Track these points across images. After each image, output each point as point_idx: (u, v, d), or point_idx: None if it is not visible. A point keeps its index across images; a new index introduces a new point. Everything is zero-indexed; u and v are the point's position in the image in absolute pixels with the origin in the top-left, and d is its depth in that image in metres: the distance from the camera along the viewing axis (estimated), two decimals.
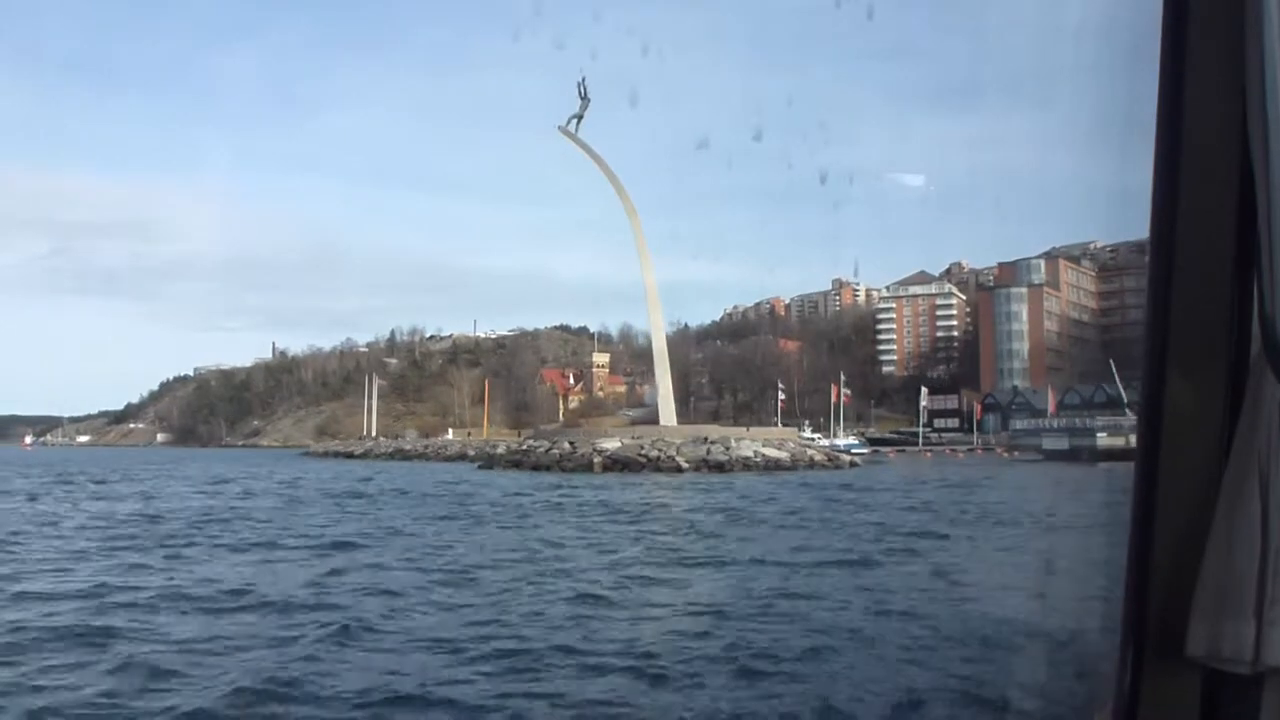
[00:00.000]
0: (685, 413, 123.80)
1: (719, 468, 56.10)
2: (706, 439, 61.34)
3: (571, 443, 61.19)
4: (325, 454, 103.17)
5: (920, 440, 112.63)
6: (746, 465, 57.48)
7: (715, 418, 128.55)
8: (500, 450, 72.26)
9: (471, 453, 79.15)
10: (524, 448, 65.38)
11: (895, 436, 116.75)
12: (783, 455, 61.18)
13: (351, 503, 31.96)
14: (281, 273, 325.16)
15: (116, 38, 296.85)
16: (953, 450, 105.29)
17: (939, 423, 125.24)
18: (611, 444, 59.55)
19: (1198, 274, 1.26)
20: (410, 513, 27.29)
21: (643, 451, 57.95)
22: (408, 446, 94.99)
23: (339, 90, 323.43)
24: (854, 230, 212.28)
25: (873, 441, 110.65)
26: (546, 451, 60.62)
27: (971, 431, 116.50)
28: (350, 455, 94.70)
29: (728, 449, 59.51)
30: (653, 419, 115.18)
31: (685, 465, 55.94)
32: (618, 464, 56.28)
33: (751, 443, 62.16)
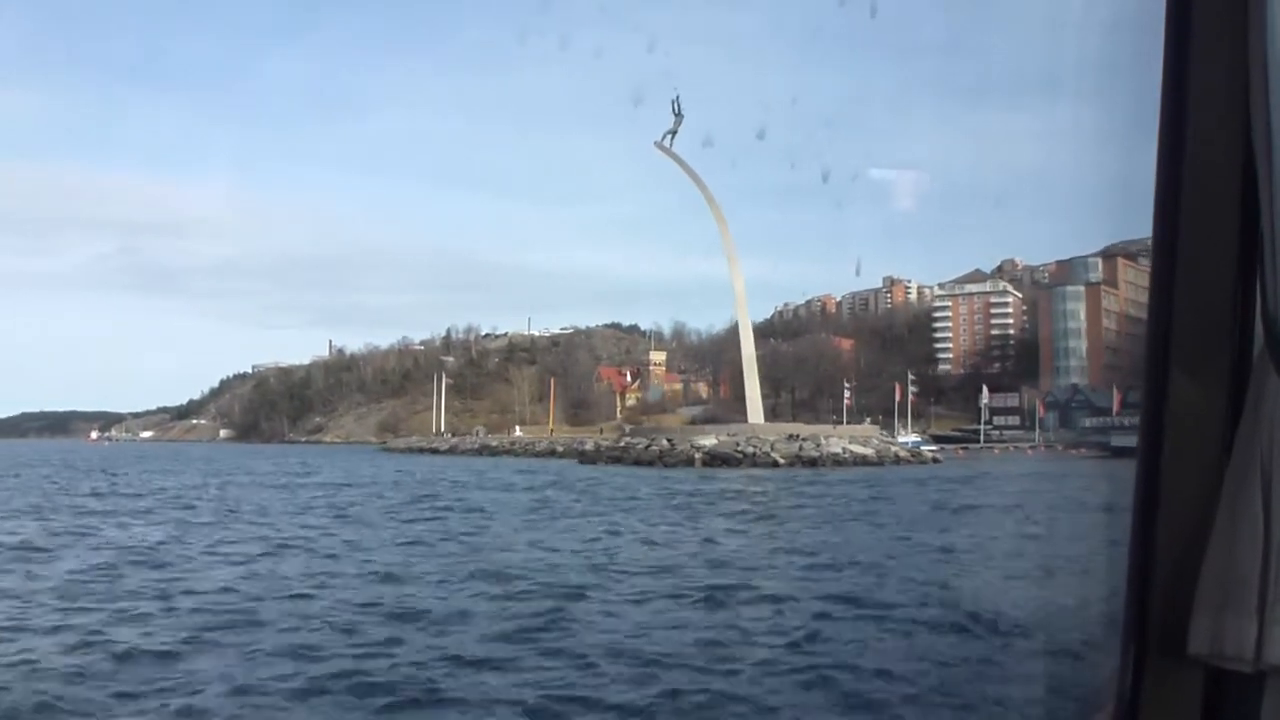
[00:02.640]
0: (743, 410, 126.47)
1: (811, 463, 58.83)
2: (797, 436, 64.12)
3: (670, 440, 64.28)
4: (407, 450, 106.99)
5: (982, 438, 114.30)
6: (837, 461, 60.15)
7: (774, 415, 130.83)
8: (589, 447, 75.56)
9: (560, 449, 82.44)
10: (622, 445, 68.57)
11: (957, 434, 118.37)
12: (869, 452, 63.78)
13: (566, 497, 33.24)
14: (333, 271, 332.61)
15: (172, 42, 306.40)
16: (1017, 447, 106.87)
17: (998, 420, 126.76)
18: (708, 441, 62.55)
19: (1201, 272, 1.26)
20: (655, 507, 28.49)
21: (739, 448, 60.87)
22: (494, 443, 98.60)
23: (390, 90, 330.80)
24: (902, 228, 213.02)
25: (935, 439, 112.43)
26: (646, 448, 63.78)
27: (1032, 429, 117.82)
28: (436, 451, 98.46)
29: (818, 446, 62.25)
30: (711, 417, 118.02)
31: (781, 461, 58.75)
32: (716, 460, 59.23)
33: (840, 440, 64.89)
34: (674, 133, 70.81)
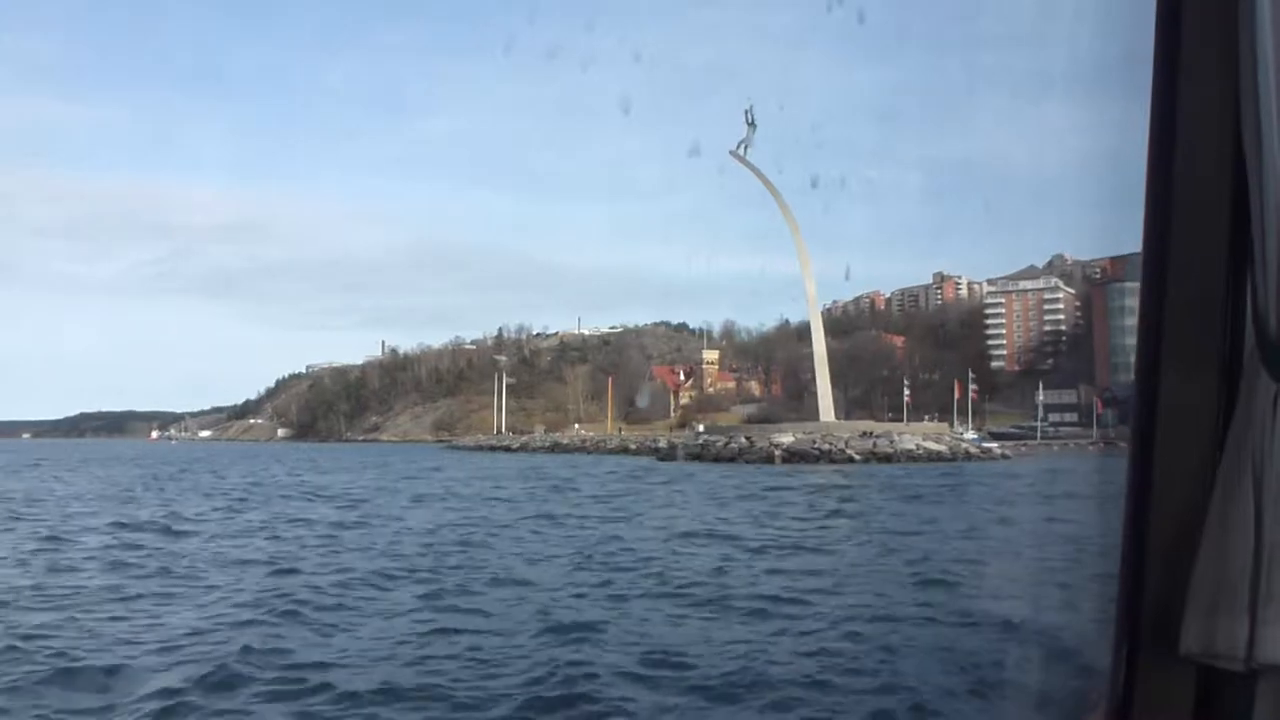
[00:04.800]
0: (798, 408, 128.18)
1: (886, 459, 60.78)
2: (871, 433, 66.13)
3: (748, 438, 66.60)
4: (476, 448, 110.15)
5: (1039, 435, 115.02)
6: (911, 457, 62.02)
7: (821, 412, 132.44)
8: (662, 444, 78.13)
9: (633, 446, 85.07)
10: (700, 442, 71.04)
11: (1015, 431, 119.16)
12: (942, 448, 65.60)
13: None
14: (384, 272, 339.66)
15: (225, 49, 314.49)
16: (1076, 444, 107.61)
17: (1053, 417, 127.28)
18: (785, 438, 64.77)
19: (1192, 270, 1.26)
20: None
21: (815, 445, 63.08)
22: (564, 441, 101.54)
23: (440, 93, 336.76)
24: (952, 222, 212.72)
25: (992, 435, 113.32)
26: (725, 445, 66.16)
27: (1089, 426, 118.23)
28: (508, 449, 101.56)
29: (892, 442, 64.23)
30: (765, 415, 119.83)
31: (856, 457, 60.82)
32: (795, 456, 61.46)
33: (912, 437, 66.78)
34: (748, 142, 73.18)
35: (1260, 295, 1.17)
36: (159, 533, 19.90)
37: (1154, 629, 1.28)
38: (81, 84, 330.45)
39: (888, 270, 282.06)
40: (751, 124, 73.00)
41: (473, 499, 31.07)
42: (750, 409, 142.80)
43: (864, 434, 65.90)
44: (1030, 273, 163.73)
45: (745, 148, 73.46)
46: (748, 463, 60.95)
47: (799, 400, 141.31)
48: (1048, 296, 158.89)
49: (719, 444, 67.46)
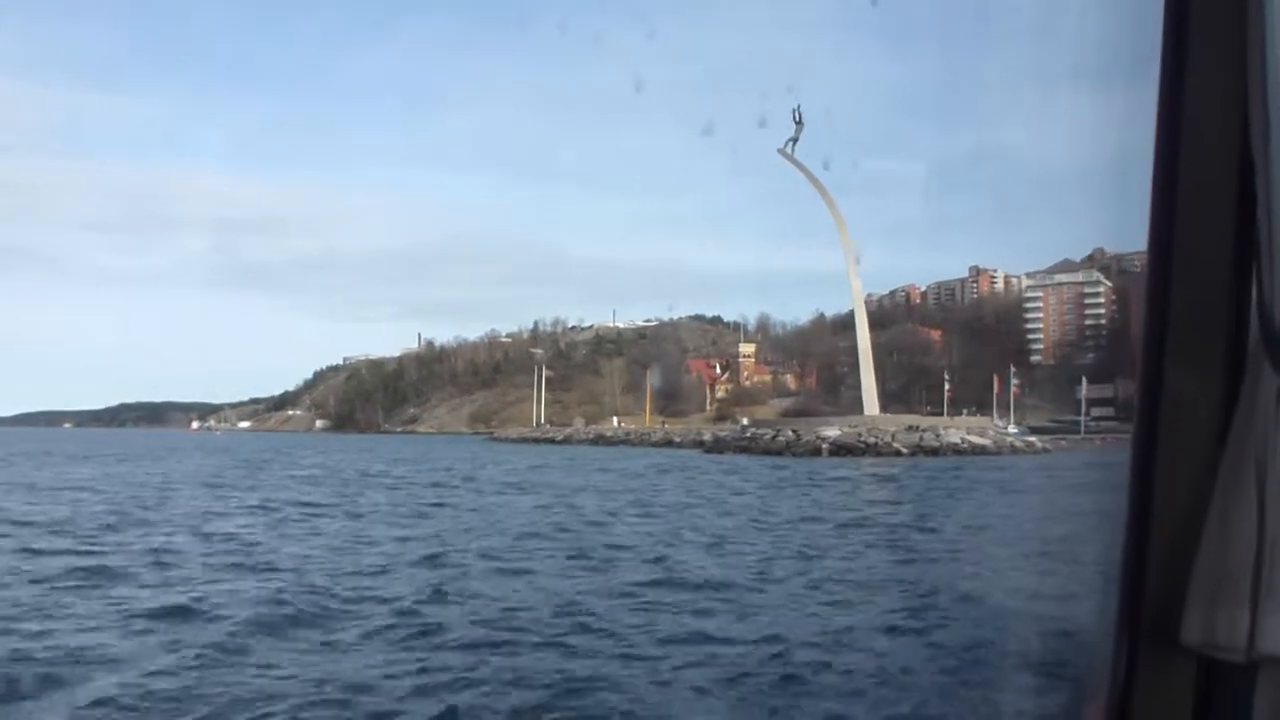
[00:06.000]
0: (834, 401, 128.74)
1: (932, 452, 61.73)
2: (917, 427, 67.08)
3: (794, 431, 67.79)
4: (520, 440, 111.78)
5: (1082, 429, 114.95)
6: (956, 451, 62.91)
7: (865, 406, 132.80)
8: (708, 438, 79.45)
9: (677, 439, 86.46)
10: (748, 435, 72.34)
11: (1055, 425, 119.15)
12: (987, 442, 66.40)
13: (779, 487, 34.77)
14: (419, 264, 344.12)
15: (263, 43, 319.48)
16: (1117, 438, 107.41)
17: (1093, 411, 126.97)
18: (832, 432, 65.86)
19: (1196, 264, 1.25)
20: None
21: (861, 439, 64.12)
22: (608, 433, 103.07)
23: (475, 86, 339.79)
24: (983, 215, 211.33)
25: (1031, 430, 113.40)
26: (772, 439, 67.42)
27: (1128, 420, 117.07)
28: (552, 441, 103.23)
29: (937, 436, 65.15)
30: (802, 409, 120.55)
31: (904, 451, 61.79)
32: (841, 449, 62.55)
33: (957, 431, 67.65)
34: (795, 140, 74.16)
35: (1266, 289, 1.17)
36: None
37: (1155, 619, 1.28)
38: (121, 77, 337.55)
39: (922, 264, 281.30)
40: (799, 122, 74.05)
41: (629, 493, 30.78)
42: (786, 402, 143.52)
43: (910, 428, 66.84)
44: (1068, 266, 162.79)
45: (793, 145, 74.50)
46: (794, 456, 62.14)
47: (835, 393, 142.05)
48: (1087, 290, 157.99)
49: (766, 437, 68.70)
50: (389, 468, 49.18)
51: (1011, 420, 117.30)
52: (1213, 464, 1.24)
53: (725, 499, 28.26)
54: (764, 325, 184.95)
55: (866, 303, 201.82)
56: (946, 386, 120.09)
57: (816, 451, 62.38)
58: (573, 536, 18.05)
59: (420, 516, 22.26)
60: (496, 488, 33.41)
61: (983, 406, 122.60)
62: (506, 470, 47.07)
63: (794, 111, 74.48)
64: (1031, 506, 24.77)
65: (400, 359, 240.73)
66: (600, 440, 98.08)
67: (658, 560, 14.75)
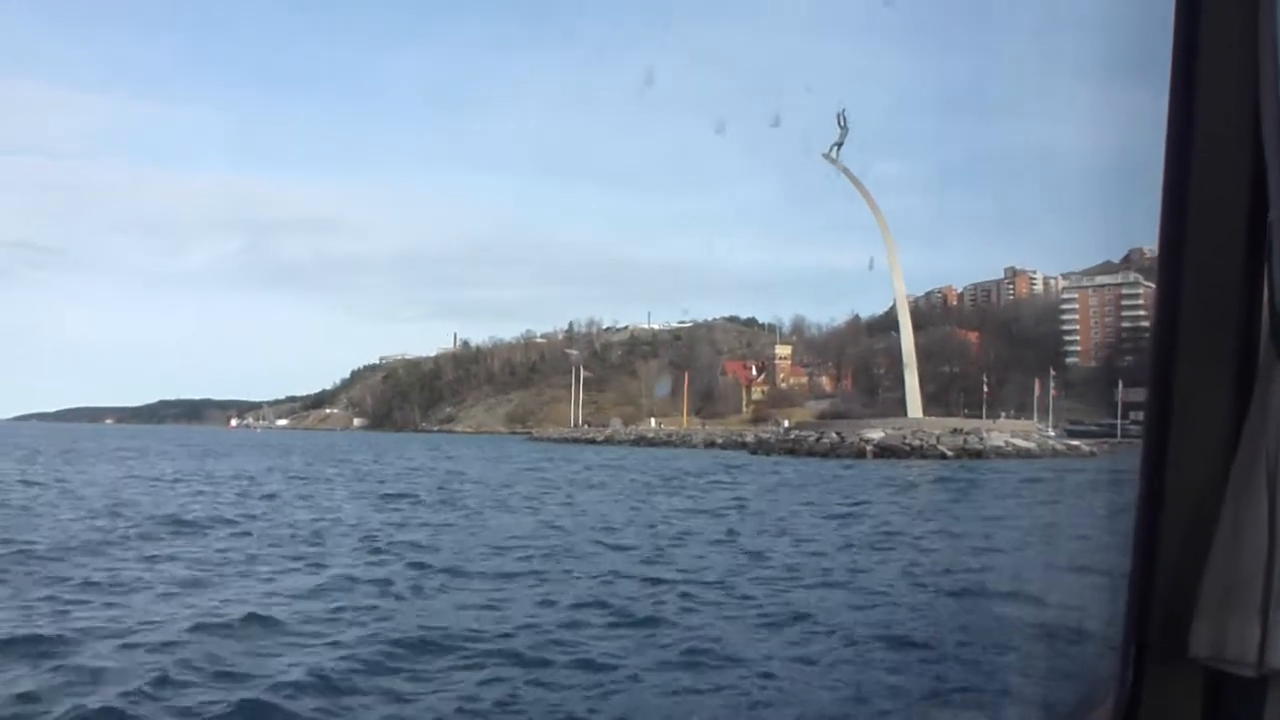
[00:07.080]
0: (873, 404, 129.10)
1: (977, 455, 62.34)
2: (961, 430, 67.90)
3: (839, 433, 68.86)
4: (560, 440, 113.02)
5: (1120, 432, 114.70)
6: (1000, 454, 63.54)
7: (902, 409, 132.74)
8: (749, 439, 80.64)
9: (719, 441, 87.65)
10: (793, 437, 73.53)
11: (1095, 428, 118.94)
12: (1031, 445, 67.08)
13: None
14: (454, 265, 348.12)
15: (300, 48, 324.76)
16: None
17: (1132, 414, 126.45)
18: (876, 434, 66.87)
19: (1208, 264, 1.24)
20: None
21: (906, 441, 65.06)
22: (649, 434, 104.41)
23: (504, 88, 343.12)
24: (1022, 214, 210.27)
25: (1070, 433, 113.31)
26: (817, 441, 68.53)
27: None
28: (592, 441, 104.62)
29: (981, 439, 65.92)
30: (840, 411, 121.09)
31: (948, 453, 62.60)
32: (886, 452, 63.50)
33: (1000, 434, 68.40)
34: (840, 144, 75.25)
35: (1277, 290, 1.15)
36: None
37: (1163, 631, 1.25)
38: (158, 81, 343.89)
39: (957, 265, 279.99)
40: (843, 126, 75.14)
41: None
42: (823, 404, 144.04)
43: (954, 430, 67.66)
44: (1107, 267, 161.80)
45: (837, 149, 75.58)
46: (839, 458, 63.11)
47: (871, 395, 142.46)
48: (1125, 292, 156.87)
49: (811, 439, 69.79)
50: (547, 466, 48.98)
51: (1050, 423, 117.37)
52: (1223, 470, 1.23)
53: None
54: (799, 326, 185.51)
55: None
56: (985, 388, 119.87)
57: (861, 454, 63.31)
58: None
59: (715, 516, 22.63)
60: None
61: (1021, 409, 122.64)
62: (639, 478, 41.99)
63: (839, 116, 75.75)
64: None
65: (436, 359, 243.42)
66: (642, 441, 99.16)
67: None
